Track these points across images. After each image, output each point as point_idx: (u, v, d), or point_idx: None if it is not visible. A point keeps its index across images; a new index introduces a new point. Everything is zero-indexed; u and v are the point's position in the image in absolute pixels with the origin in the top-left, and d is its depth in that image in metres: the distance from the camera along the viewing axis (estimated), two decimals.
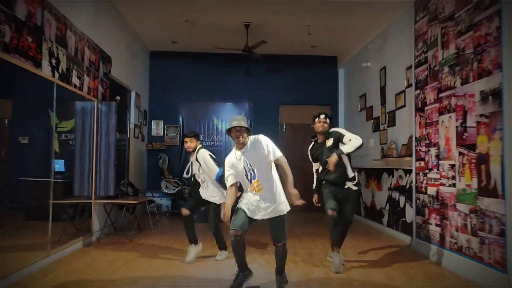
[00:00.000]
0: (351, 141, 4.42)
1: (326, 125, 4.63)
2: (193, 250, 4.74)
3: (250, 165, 3.56)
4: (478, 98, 4.08)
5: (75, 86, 5.25)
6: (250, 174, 3.58)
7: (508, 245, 3.57)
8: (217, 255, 4.87)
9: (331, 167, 4.33)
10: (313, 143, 4.82)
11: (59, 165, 6.29)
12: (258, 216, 3.58)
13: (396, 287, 3.89)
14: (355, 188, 4.57)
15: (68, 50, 5.04)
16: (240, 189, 3.76)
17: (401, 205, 6.24)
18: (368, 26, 7.48)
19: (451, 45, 4.65)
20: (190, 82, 9.59)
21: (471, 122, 4.20)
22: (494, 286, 3.72)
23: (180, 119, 9.47)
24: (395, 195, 6.49)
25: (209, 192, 4.78)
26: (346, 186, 4.55)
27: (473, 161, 4.13)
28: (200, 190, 4.86)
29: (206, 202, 4.84)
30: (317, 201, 4.81)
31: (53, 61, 4.64)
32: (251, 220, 3.57)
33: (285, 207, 3.62)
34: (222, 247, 4.89)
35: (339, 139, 4.51)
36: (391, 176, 6.69)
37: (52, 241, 4.74)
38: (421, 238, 5.22)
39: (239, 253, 3.59)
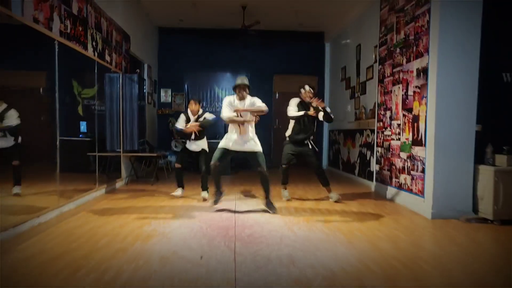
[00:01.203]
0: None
1: (311, 95, 5.93)
2: (180, 190, 6.29)
3: (243, 114, 5.05)
4: (415, 74, 5.51)
5: (107, 62, 6.63)
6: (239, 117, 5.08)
7: (426, 178, 5.11)
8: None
9: (317, 103, 5.67)
10: (300, 99, 6.00)
11: (83, 126, 7.67)
12: (235, 148, 5.10)
13: (350, 209, 5.44)
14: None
15: (103, 34, 6.40)
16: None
17: (368, 158, 7.77)
18: (349, 10, 8.80)
19: (402, 31, 6.03)
20: (194, 55, 10.95)
21: (410, 91, 5.64)
22: (416, 207, 5.31)
23: (186, 87, 10.88)
24: (364, 150, 8.00)
25: (201, 142, 6.21)
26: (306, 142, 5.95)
27: (410, 120, 5.60)
28: (189, 142, 6.23)
29: (194, 153, 6.23)
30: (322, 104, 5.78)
31: (94, 43, 6.03)
32: (228, 153, 5.16)
33: (259, 148, 5.16)
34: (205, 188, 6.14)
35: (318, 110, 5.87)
36: (361, 135, 8.19)
37: (92, 185, 6.22)
38: (378, 181, 6.76)
39: (217, 177, 5.24)
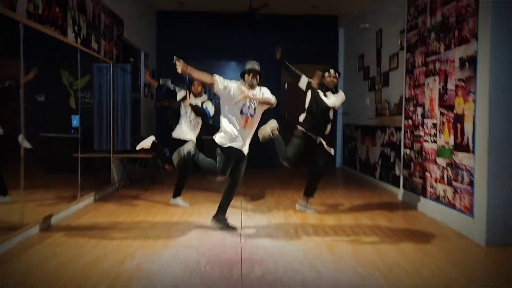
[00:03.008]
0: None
1: (336, 80, 5.24)
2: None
3: (253, 103, 4.21)
4: (457, 64, 4.57)
5: (94, 50, 5.73)
6: (248, 109, 4.20)
7: (475, 193, 4.18)
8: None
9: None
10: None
11: (76, 120, 6.84)
12: (245, 148, 4.26)
13: (378, 226, 4.54)
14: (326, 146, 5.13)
15: (87, 17, 5.49)
16: None
17: (392, 160, 6.84)
18: None
19: (438, 13, 5.08)
20: (196, 42, 9.98)
21: (451, 85, 4.71)
22: (462, 228, 4.36)
23: (187, 77, 9.89)
24: (387, 150, 7.07)
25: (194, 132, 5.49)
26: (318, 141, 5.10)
27: (451, 120, 4.67)
28: (180, 128, 5.52)
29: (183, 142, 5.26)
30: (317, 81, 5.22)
31: (76, 28, 5.12)
32: (239, 159, 4.26)
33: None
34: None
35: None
36: (384, 133, 7.26)
37: (75, 193, 5.36)
38: (407, 189, 5.85)
39: (229, 197, 4.38)
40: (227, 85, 4.21)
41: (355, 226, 4.63)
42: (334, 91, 5.20)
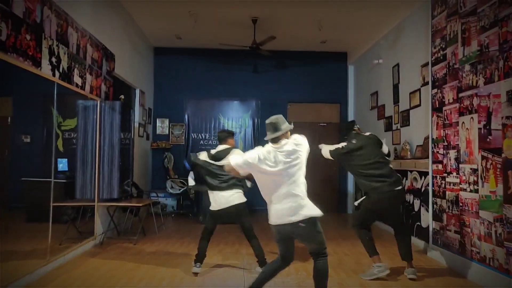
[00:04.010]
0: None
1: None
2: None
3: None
4: (505, 99, 3.82)
5: (76, 85, 5.02)
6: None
7: None
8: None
9: None
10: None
11: (62, 164, 6.12)
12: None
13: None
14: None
15: (70, 48, 4.82)
16: None
17: (416, 209, 5.98)
18: (380, 21, 7.21)
19: (473, 42, 4.39)
20: (196, 79, 9.35)
21: (496, 124, 3.94)
22: None
23: (186, 117, 9.19)
24: (409, 198, 6.22)
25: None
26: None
27: (498, 166, 3.87)
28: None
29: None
30: None
31: (54, 59, 4.42)
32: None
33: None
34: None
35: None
36: (404, 178, 6.42)
37: (53, 246, 4.56)
38: (438, 245, 4.98)
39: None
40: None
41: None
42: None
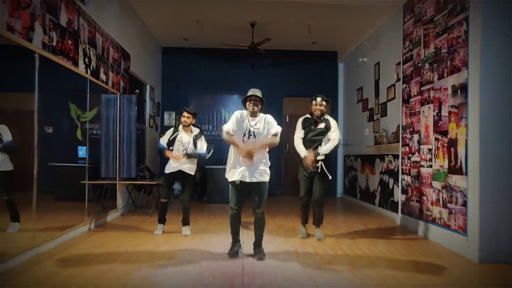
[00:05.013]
0: (329, 142, 5.05)
1: (323, 108, 5.14)
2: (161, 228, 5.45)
3: (254, 132, 4.10)
4: (450, 91, 4.80)
5: (102, 81, 5.99)
6: (250, 138, 4.08)
7: (468, 213, 4.32)
8: (183, 230, 5.36)
9: (308, 163, 4.90)
10: (307, 116, 5.24)
11: (82, 151, 7.04)
12: (248, 179, 4.02)
13: (376, 246, 4.69)
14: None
15: (97, 50, 5.78)
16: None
17: (390, 187, 6.98)
18: (364, 25, 8.17)
19: (431, 45, 5.35)
20: (200, 76, 10.32)
21: (445, 112, 4.92)
22: (457, 247, 4.49)
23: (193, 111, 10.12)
24: (386, 178, 7.23)
25: (187, 165, 5.33)
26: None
27: (445, 145, 4.85)
28: (173, 162, 5.29)
29: (178, 177, 5.39)
30: (313, 159, 4.95)
31: (86, 60, 5.39)
32: (243, 189, 4.11)
33: (266, 177, 4.13)
34: (186, 222, 5.40)
35: (327, 129, 5.10)
36: (382, 161, 7.43)
37: (82, 217, 5.51)
38: (405, 214, 5.97)
39: (236, 226, 4.25)
40: (232, 126, 4.12)
41: (353, 244, 4.79)
42: (322, 120, 5.15)
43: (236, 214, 4.17)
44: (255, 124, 4.16)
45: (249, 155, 3.94)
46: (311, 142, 5.09)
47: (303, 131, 5.17)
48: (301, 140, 5.15)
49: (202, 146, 5.43)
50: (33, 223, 4.22)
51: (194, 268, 3.70)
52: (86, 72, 5.41)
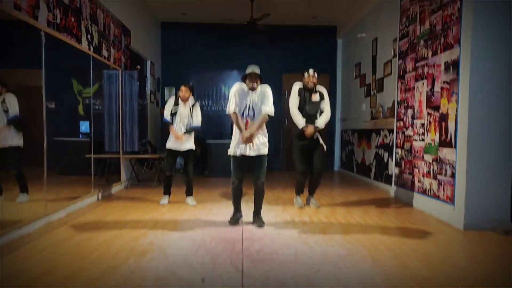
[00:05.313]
0: (324, 114, 5.26)
1: (315, 80, 5.32)
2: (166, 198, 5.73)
3: (253, 106, 4.33)
4: (443, 68, 4.96)
5: (104, 57, 6.14)
6: (249, 112, 4.32)
7: (456, 184, 4.55)
8: (189, 200, 5.66)
9: (309, 135, 5.16)
10: (302, 85, 5.40)
11: (84, 126, 7.22)
12: (249, 152, 4.29)
13: (369, 215, 4.95)
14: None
15: (99, 27, 5.91)
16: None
17: (385, 160, 7.21)
18: (364, 1, 8.24)
19: (426, 22, 5.47)
20: (199, 52, 10.42)
21: (437, 87, 5.09)
22: (444, 216, 4.75)
23: (191, 85, 10.26)
24: (381, 152, 7.44)
25: (188, 143, 5.56)
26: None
27: (437, 119, 5.04)
28: (173, 140, 5.53)
29: (180, 153, 5.59)
30: (312, 131, 5.20)
31: (89, 37, 5.53)
32: (244, 162, 4.35)
33: (266, 150, 4.37)
34: (190, 193, 5.71)
35: (322, 98, 5.32)
36: (378, 135, 7.63)
37: (88, 190, 5.75)
38: (398, 186, 6.20)
39: (238, 197, 4.55)
40: (235, 100, 4.34)
41: (347, 214, 5.06)
42: (315, 91, 5.34)
43: (238, 187, 4.44)
44: (255, 98, 4.37)
45: (249, 140, 4.22)
46: (309, 116, 5.27)
47: (298, 97, 5.34)
48: (297, 109, 5.31)
49: (198, 115, 5.63)
50: (44, 194, 4.45)
51: (197, 234, 3.96)
52: (89, 49, 5.56)
